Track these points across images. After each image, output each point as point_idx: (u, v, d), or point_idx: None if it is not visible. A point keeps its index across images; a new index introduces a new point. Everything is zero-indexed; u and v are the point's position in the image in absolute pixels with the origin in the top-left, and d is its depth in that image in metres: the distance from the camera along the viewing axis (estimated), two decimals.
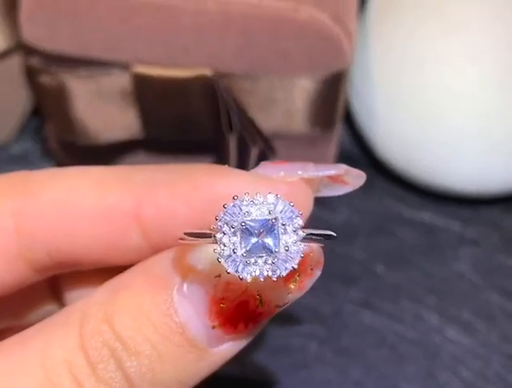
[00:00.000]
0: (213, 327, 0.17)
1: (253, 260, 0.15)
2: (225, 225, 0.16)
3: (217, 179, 0.19)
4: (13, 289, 0.21)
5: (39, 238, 0.20)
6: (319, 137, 0.33)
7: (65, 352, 0.17)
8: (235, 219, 0.15)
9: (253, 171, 0.20)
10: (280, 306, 0.18)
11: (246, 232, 0.15)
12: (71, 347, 0.17)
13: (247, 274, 0.15)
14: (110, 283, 0.18)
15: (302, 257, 0.16)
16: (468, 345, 0.32)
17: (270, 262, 0.15)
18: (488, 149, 0.33)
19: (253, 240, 0.15)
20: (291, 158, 0.31)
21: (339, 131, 0.35)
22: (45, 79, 0.31)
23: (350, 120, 0.38)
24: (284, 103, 0.31)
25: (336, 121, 0.33)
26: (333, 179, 0.20)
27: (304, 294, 0.18)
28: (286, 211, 0.16)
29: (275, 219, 0.16)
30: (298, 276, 0.17)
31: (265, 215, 0.16)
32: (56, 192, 0.20)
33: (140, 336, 0.17)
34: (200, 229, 0.18)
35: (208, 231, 0.16)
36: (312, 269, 0.17)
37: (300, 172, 0.20)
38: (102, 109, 0.31)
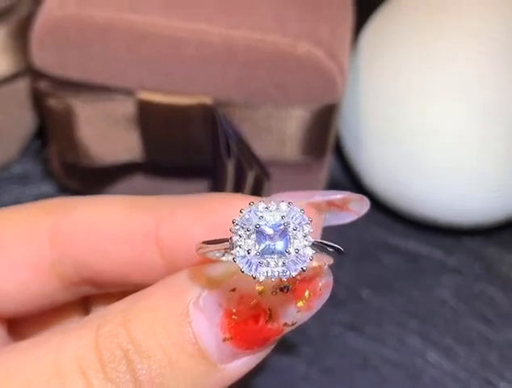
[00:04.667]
0: (224, 340, 0.18)
1: (265, 261, 0.16)
2: (241, 229, 0.16)
3: (231, 202, 0.20)
4: (43, 306, 0.22)
5: (69, 252, 0.21)
6: (310, 164, 0.34)
7: (78, 350, 0.18)
8: (250, 223, 0.16)
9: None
10: (288, 325, 0.18)
11: (260, 235, 0.16)
12: (85, 345, 0.18)
13: (260, 273, 0.16)
14: (130, 296, 0.19)
15: (311, 260, 0.16)
16: (449, 369, 0.33)
17: (281, 263, 0.16)
18: (470, 182, 0.33)
19: (267, 242, 0.16)
20: (283, 183, 0.32)
21: (330, 160, 0.35)
22: (52, 102, 0.31)
23: (339, 150, 0.39)
24: (279, 132, 0.32)
25: (327, 150, 0.34)
26: (340, 207, 0.21)
27: None
28: (297, 218, 0.17)
29: (287, 224, 0.16)
30: (308, 294, 0.18)
31: (278, 220, 0.16)
32: (87, 211, 0.21)
33: (154, 342, 0.18)
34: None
35: (224, 238, 0.17)
36: (321, 289, 0.18)
37: (308, 198, 0.20)
38: (106, 132, 0.32)
